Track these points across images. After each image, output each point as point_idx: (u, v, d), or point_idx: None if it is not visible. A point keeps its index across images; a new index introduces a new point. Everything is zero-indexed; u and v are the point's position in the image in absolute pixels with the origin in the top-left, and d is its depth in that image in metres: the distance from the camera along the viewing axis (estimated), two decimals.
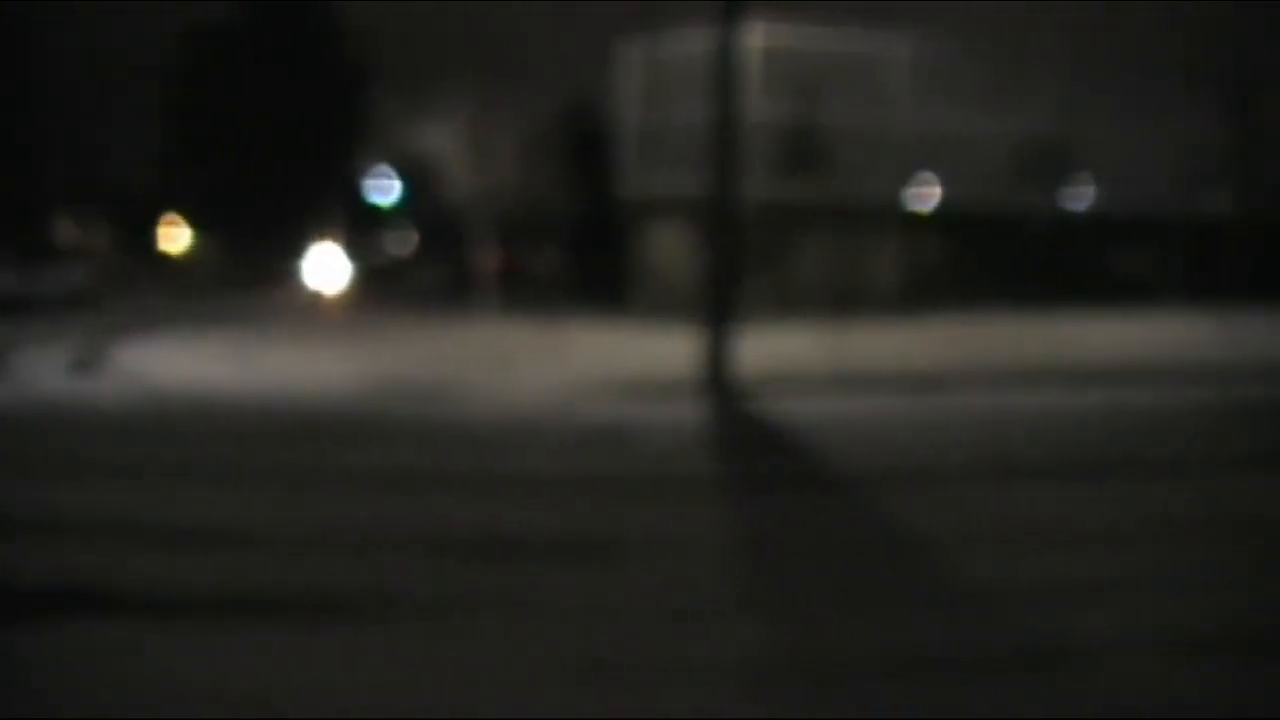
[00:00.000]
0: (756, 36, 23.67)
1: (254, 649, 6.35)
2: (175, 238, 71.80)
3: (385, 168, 54.84)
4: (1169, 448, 13.13)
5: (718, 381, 18.18)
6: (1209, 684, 5.88)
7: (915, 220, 26.58)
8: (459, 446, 13.56)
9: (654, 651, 6.26)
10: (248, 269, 58.61)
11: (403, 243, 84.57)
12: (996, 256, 27.00)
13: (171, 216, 70.48)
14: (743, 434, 15.05)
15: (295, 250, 59.18)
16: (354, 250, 62.48)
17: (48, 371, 21.73)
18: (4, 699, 5.74)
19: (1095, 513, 9.73)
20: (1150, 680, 5.95)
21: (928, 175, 26.99)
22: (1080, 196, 29.05)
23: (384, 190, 64.40)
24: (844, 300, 20.93)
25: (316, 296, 43.35)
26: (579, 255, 30.41)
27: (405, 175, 47.52)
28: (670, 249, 26.90)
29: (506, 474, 11.72)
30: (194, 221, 71.03)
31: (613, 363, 20.75)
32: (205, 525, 9.20)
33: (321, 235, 48.84)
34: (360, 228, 65.08)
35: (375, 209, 67.98)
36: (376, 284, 55.06)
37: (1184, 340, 22.68)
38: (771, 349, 20.29)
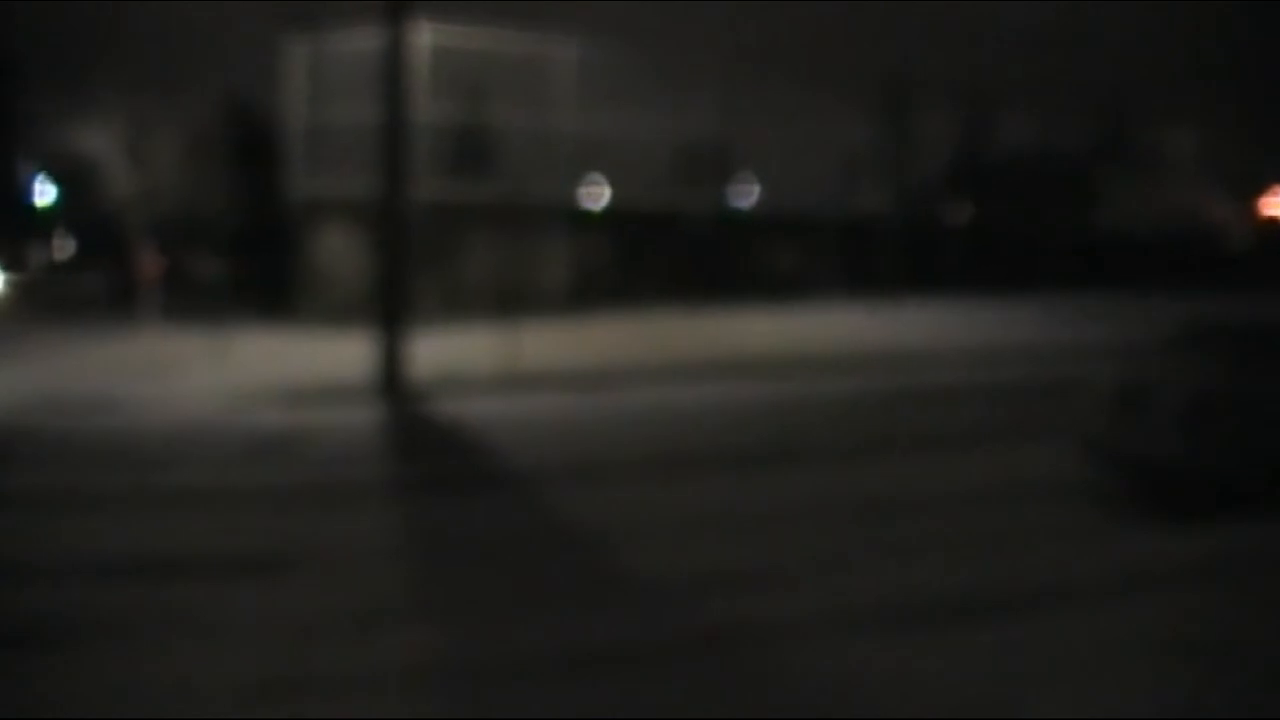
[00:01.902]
0: (424, 36, 23.57)
1: None
2: None
3: (38, 169, 52.46)
4: (817, 436, 13.64)
5: (390, 385, 18.03)
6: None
7: (583, 220, 26.91)
8: (118, 462, 13.07)
9: (323, 664, 6.20)
10: None
11: (59, 249, 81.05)
12: (662, 255, 27.59)
13: None
14: (416, 437, 14.99)
15: None
16: (6, 257, 59.49)
17: None
18: None
19: (748, 500, 10.06)
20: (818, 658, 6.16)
21: (595, 176, 27.34)
22: (742, 196, 29.91)
23: (38, 193, 61.57)
24: (514, 300, 21.01)
25: None
26: (244, 259, 29.66)
27: (61, 177, 45.55)
28: (338, 251, 26.53)
29: (170, 489, 11.36)
30: None
31: (281, 368, 20.33)
32: None
33: None
34: (12, 233, 62.05)
35: (29, 213, 64.98)
36: (31, 292, 52.58)
37: (839, 332, 23.62)
38: (443, 350, 20.25)
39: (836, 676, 5.93)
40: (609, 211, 27.28)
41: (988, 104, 32.27)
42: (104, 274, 55.81)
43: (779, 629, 6.60)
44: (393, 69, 18.61)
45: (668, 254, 27.63)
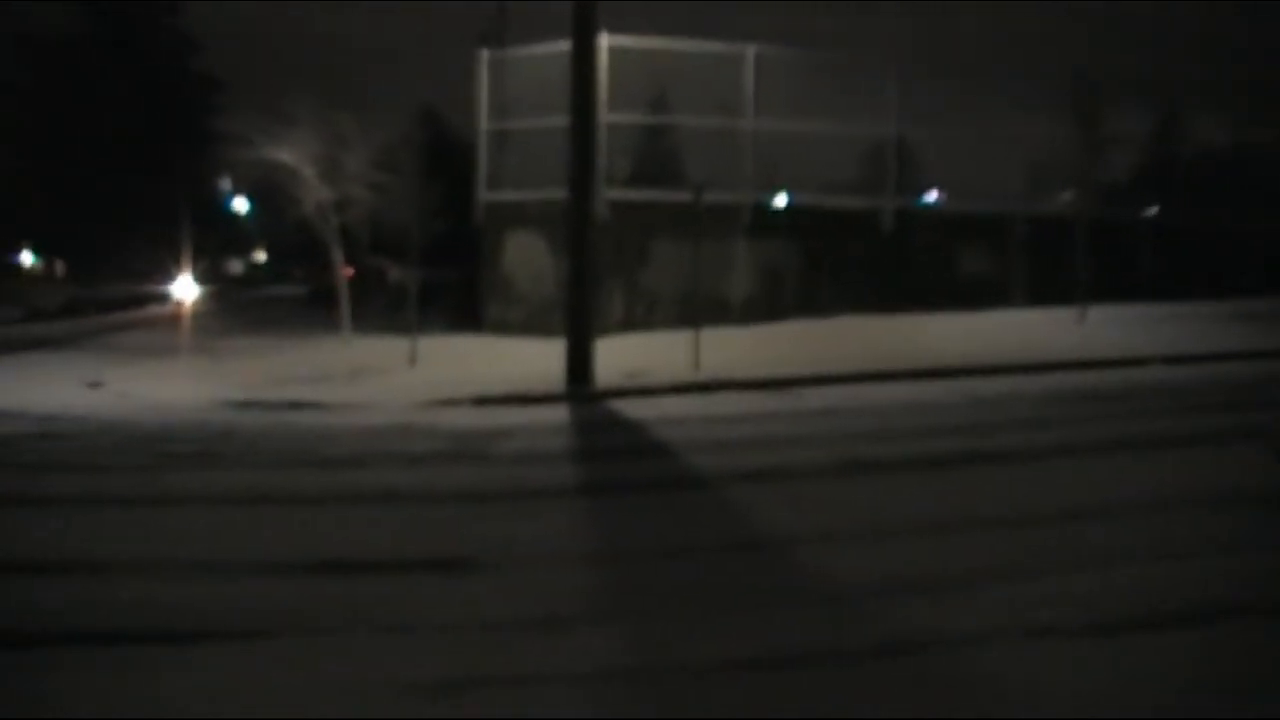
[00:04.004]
0: (606, 44, 23.86)
1: (90, 673, 6.25)
2: (21, 259, 70.18)
3: (236, 181, 54.17)
4: (1005, 439, 13.44)
5: (577, 387, 18.32)
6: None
7: (766, 224, 26.88)
8: (312, 460, 13.45)
9: (509, 664, 6.21)
10: (97, 288, 57.48)
11: (255, 257, 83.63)
12: (846, 258, 27.44)
13: (15, 237, 68.86)
14: (602, 439, 15.11)
15: (146, 268, 58.15)
16: (211, 265, 61.64)
17: None
18: None
19: (935, 504, 9.93)
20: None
21: (777, 179, 27.31)
22: (927, 198, 29.61)
23: (236, 204, 63.63)
24: (698, 303, 21.10)
25: (169, 313, 42.64)
26: (433, 265, 30.25)
27: (256, 188, 47.02)
28: (525, 258, 26.93)
29: (361, 487, 11.64)
30: (41, 241, 69.53)
31: (470, 372, 20.73)
32: (60, 553, 9.03)
33: (178, 251, 47.98)
34: (217, 242, 64.20)
35: (231, 222, 67.17)
36: (230, 299, 54.39)
37: (1028, 335, 23.26)
38: (629, 354, 20.44)
39: (1016, 685, 5.85)
40: (792, 215, 27.22)
41: (1178, 102, 31.49)
42: (298, 281, 57.49)
43: (960, 636, 6.46)
44: (579, 78, 18.92)
45: (852, 257, 27.47)
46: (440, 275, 32.85)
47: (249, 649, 6.62)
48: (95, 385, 22.10)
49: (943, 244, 28.40)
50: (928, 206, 29.41)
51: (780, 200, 27.34)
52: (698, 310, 20.91)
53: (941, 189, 29.82)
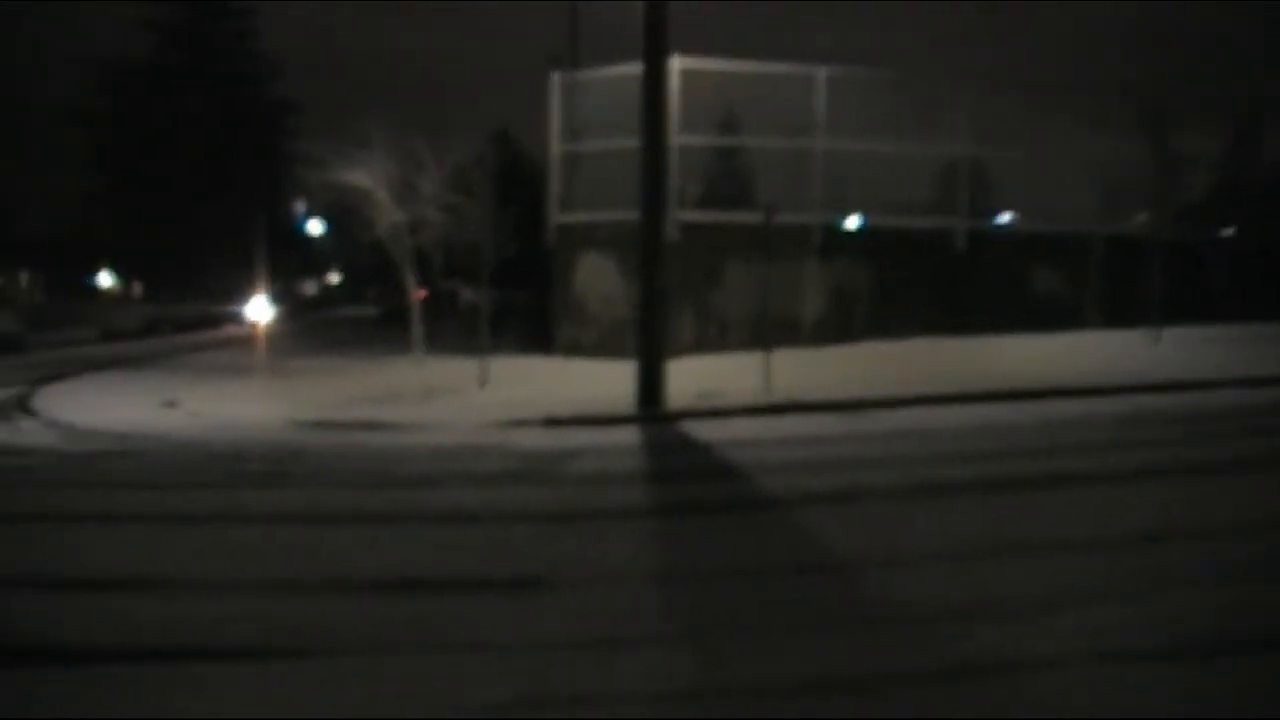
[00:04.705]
0: (677, 67, 23.88)
1: (171, 691, 6.30)
2: (103, 280, 71.28)
3: (311, 203, 54.64)
4: (1080, 461, 13.28)
5: (648, 409, 18.31)
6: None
7: (838, 245, 26.81)
8: (384, 480, 13.52)
9: (577, 684, 6.21)
10: (176, 308, 58.24)
11: (329, 278, 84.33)
12: (918, 279, 27.30)
13: (97, 258, 69.96)
14: (673, 460, 15.07)
15: (221, 288, 58.88)
16: (284, 286, 62.22)
17: None
18: None
19: (1010, 526, 9.81)
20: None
21: (849, 200, 27.23)
22: (1000, 218, 29.42)
23: (310, 226, 64.21)
24: (769, 324, 21.04)
25: (244, 333, 43.11)
26: (505, 287, 30.42)
27: (330, 210, 47.39)
28: (596, 279, 26.99)
29: (432, 507, 11.70)
30: (118, 262, 70.57)
31: (541, 393, 20.78)
32: (133, 570, 9.11)
33: (251, 273, 48.51)
34: (289, 263, 64.82)
35: (304, 244, 67.81)
36: (303, 320, 54.88)
37: (1102, 356, 23.03)
38: (701, 375, 20.41)
39: (1088, 710, 5.79)
40: (864, 236, 27.14)
41: (1253, 120, 31.13)
42: (371, 301, 57.90)
43: (1032, 660, 6.38)
44: (650, 100, 18.95)
45: (924, 278, 27.32)
46: (512, 297, 33.04)
47: (319, 666, 6.66)
48: (171, 404, 22.37)
49: (1016, 265, 28.22)
50: (1001, 227, 29.23)
51: (852, 221, 27.25)
52: (768, 331, 20.85)
53: (1015, 209, 29.63)
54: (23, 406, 23.68)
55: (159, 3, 67.91)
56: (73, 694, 6.32)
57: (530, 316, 32.21)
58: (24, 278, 67.96)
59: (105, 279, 72.66)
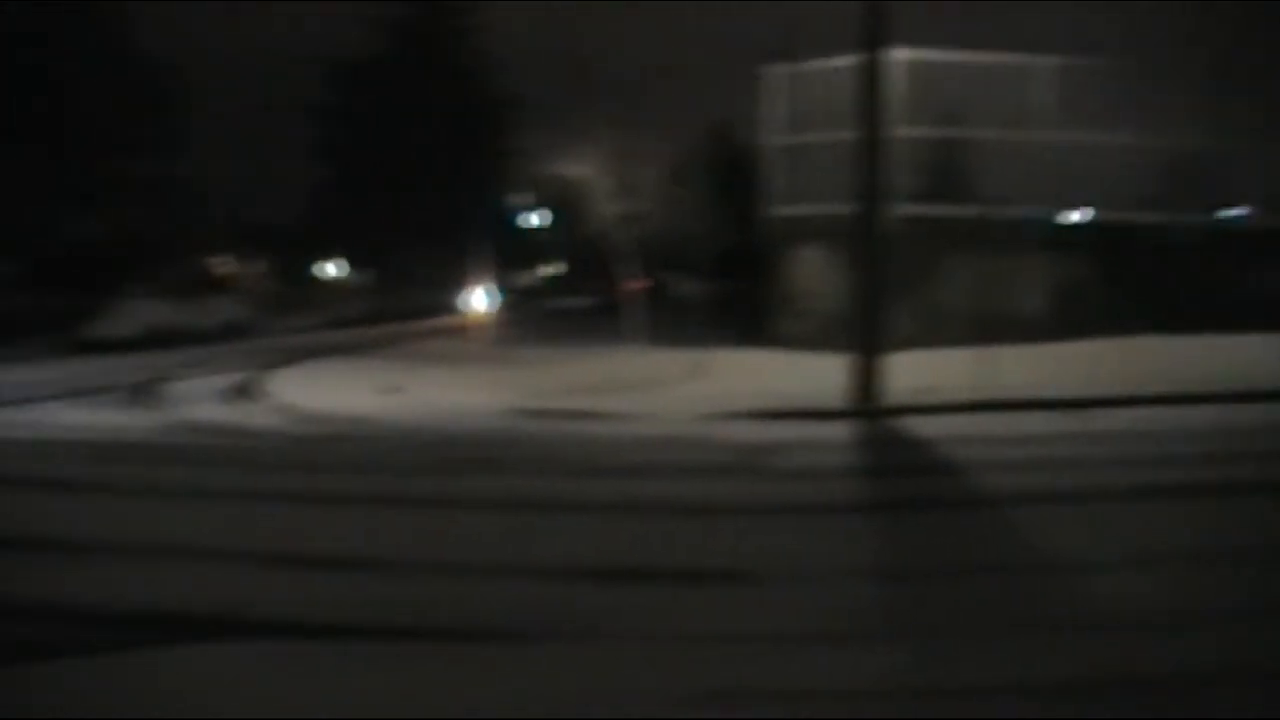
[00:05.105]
0: (898, 57, 23.58)
1: (393, 670, 6.44)
2: (329, 269, 73.51)
3: (531, 195, 55.56)
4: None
5: (863, 404, 18.16)
6: None
7: (1063, 239, 26.17)
8: (596, 470, 13.66)
9: (782, 678, 6.20)
10: (398, 298, 59.70)
11: (547, 269, 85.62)
12: (1147, 275, 26.49)
13: (325, 248, 72.17)
14: (887, 456, 14.96)
15: (444, 279, 60.17)
16: (502, 277, 63.37)
17: (201, 398, 22.53)
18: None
19: (1229, 534, 9.45)
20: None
21: (1075, 193, 26.56)
22: (1232, 212, 28.39)
23: (530, 217, 65.28)
24: (989, 320, 20.66)
25: (465, 322, 43.98)
26: (723, 279, 30.46)
27: (550, 202, 48.14)
28: (814, 272, 26.85)
29: (646, 497, 11.76)
30: (346, 252, 72.70)
31: (757, 385, 20.76)
32: (353, 550, 9.40)
33: (470, 263, 49.51)
34: (507, 254, 65.97)
35: (522, 235, 68.99)
36: (522, 310, 55.80)
37: None
38: (918, 370, 20.12)
39: None
40: (1091, 230, 26.45)
41: None
42: (589, 292, 58.71)
43: (1254, 671, 6.21)
44: (868, 91, 18.79)
45: (1151, 274, 26.51)
46: (728, 288, 33.03)
47: (531, 651, 6.78)
48: (393, 390, 22.93)
49: (1248, 261, 27.20)
50: (1234, 221, 28.20)
51: (1076, 215, 26.60)
52: (987, 327, 20.49)
53: (1248, 204, 28.57)
54: (251, 390, 24.58)
55: (386, 2, 69.69)
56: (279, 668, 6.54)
57: (745, 308, 32.14)
58: (255, 265, 70.42)
59: (332, 268, 74.89)
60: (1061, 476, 12.45)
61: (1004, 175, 25.53)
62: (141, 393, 24.35)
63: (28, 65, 45.08)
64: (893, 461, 14.47)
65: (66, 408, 22.03)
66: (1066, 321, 25.49)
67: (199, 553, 9.40)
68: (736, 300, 33.27)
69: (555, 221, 56.95)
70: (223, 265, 63.61)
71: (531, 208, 61.35)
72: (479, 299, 45.29)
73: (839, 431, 16.56)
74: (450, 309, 56.09)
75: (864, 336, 18.61)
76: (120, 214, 50.27)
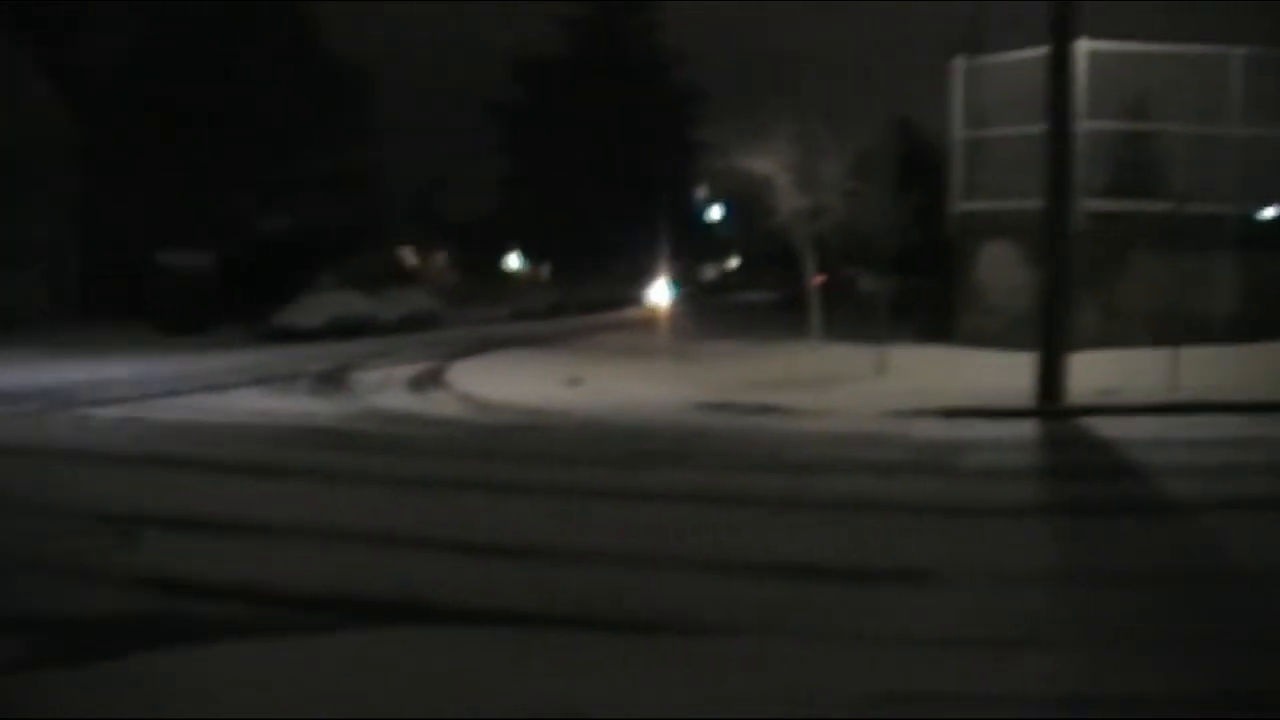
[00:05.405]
0: (1084, 50, 23.19)
1: (560, 658, 6.60)
2: (512, 262, 74.63)
3: (713, 189, 55.67)
4: None
5: (1047, 403, 17.94)
6: None
7: (1254, 237, 25.44)
8: (780, 466, 13.72)
9: (956, 682, 6.20)
10: (579, 291, 60.34)
11: (728, 263, 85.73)
12: None
13: (508, 242, 73.28)
14: (1070, 457, 14.81)
15: (624, 272, 60.68)
16: (682, 270, 63.68)
17: (384, 387, 23.14)
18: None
19: None
20: None
21: (1267, 189, 25.79)
22: None
23: (711, 211, 65.47)
24: (1177, 320, 20.16)
25: (645, 316, 44.33)
26: (904, 274, 30.24)
27: (732, 197, 48.14)
28: (997, 268, 26.54)
29: (827, 493, 11.82)
30: (527, 245, 73.71)
31: (939, 383, 20.62)
32: (531, 540, 9.60)
33: (651, 257, 49.91)
34: (688, 248, 66.26)
35: (703, 229, 69.20)
36: (702, 304, 55.98)
37: None
38: (1102, 370, 19.79)
39: None
40: None
41: None
42: (770, 287, 58.67)
43: None
44: (1056, 84, 18.53)
45: None
46: (911, 284, 32.80)
47: (707, 644, 6.90)
48: (575, 382, 23.23)
49: None
50: None
51: (1271, 211, 25.85)
52: (1174, 327, 20.03)
53: None
54: (435, 380, 25.17)
55: (568, 1, 70.65)
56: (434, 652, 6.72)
57: (929, 305, 31.88)
58: (441, 258, 71.84)
59: (515, 261, 76.01)
60: (1247, 483, 12.19)
61: (1193, 170, 24.90)
62: (328, 381, 25.08)
63: (222, 60, 46.45)
64: (1075, 463, 14.30)
65: (256, 394, 22.79)
66: (1257, 322, 24.75)
67: (386, 538, 9.73)
68: (919, 296, 33.04)
69: (737, 215, 57.01)
70: (407, 256, 65.01)
71: (714, 201, 61.44)
72: (659, 292, 45.62)
73: (1021, 431, 16.40)
74: (630, 302, 56.53)
75: (1048, 335, 18.37)
76: (309, 207, 51.67)
